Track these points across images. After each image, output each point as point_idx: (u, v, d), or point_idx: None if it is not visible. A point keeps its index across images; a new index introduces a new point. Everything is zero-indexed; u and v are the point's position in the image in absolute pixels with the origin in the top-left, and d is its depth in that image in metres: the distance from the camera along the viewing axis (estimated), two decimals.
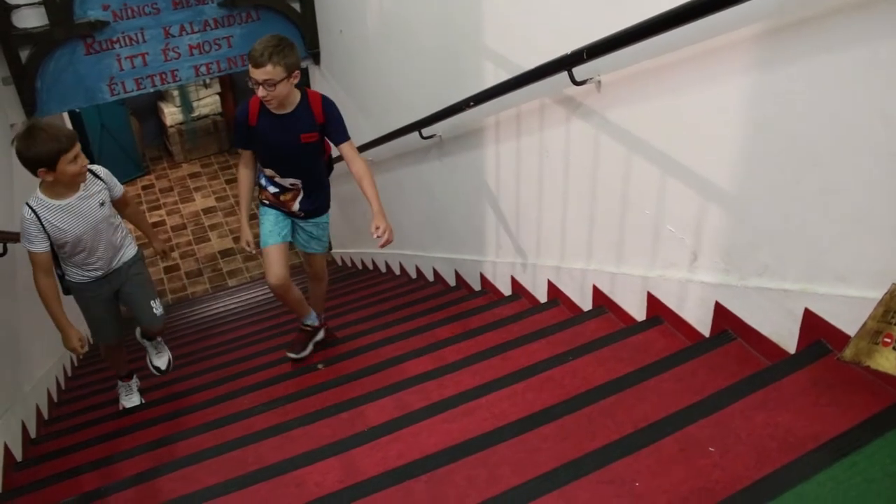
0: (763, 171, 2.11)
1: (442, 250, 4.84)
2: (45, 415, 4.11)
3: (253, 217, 4.24)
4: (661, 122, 2.46)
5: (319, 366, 3.59)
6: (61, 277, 3.24)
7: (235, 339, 5.11)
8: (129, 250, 3.42)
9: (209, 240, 8.75)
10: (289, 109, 3.17)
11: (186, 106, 10.12)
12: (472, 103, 3.41)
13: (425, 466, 2.12)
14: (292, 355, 3.75)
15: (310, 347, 3.82)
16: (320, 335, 3.91)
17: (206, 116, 10.35)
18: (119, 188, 3.29)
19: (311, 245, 3.62)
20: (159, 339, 3.83)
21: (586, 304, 3.22)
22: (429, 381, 2.88)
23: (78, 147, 2.89)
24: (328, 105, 3.26)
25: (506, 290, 3.99)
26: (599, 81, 2.66)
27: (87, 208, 3.07)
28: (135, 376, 3.90)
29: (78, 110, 8.47)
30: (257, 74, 2.95)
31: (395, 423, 2.53)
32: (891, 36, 1.65)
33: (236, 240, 8.45)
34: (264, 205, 3.51)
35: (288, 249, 3.55)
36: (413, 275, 5.50)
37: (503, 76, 3.15)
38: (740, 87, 2.10)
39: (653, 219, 2.63)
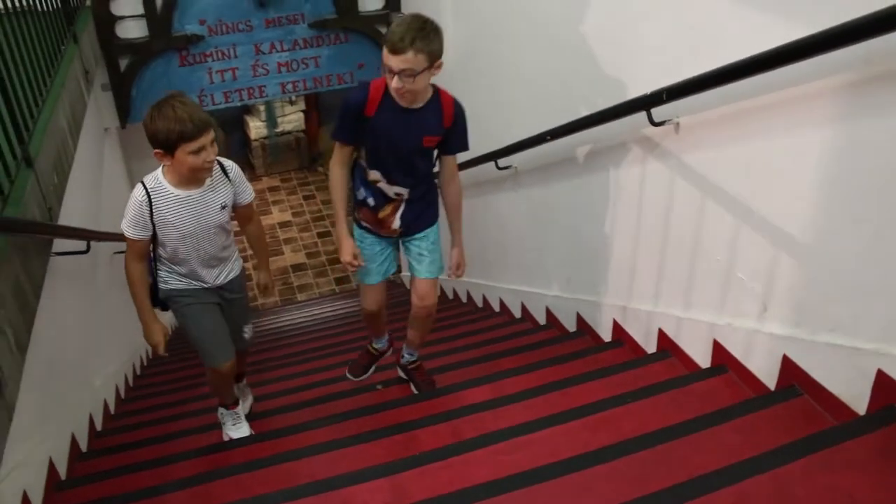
0: (843, 225, 2.06)
1: (509, 282, 4.84)
2: (112, 410, 4.24)
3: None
4: (738, 168, 2.43)
5: (379, 386, 3.61)
6: (153, 288, 2.88)
7: (299, 353, 5.20)
8: (235, 266, 3.02)
9: (283, 253, 8.92)
10: (418, 105, 2.72)
11: (271, 121, 10.39)
12: (549, 137, 3.42)
13: (472, 496, 2.11)
14: (350, 377, 3.56)
15: (371, 371, 3.58)
16: (397, 355, 3.58)
17: (289, 133, 10.60)
18: (248, 194, 2.90)
19: (422, 264, 3.06)
20: (244, 382, 3.49)
21: (650, 346, 3.17)
22: (485, 412, 2.88)
23: (207, 138, 2.51)
24: (459, 109, 2.83)
25: (570, 325, 3.96)
26: (678, 123, 2.64)
27: (206, 207, 2.72)
28: (241, 402, 3.38)
29: None
30: (395, 62, 2.50)
31: (447, 451, 2.53)
32: None
33: (309, 255, 8.58)
34: (361, 227, 3.04)
35: (386, 284, 3.23)
36: (479, 304, 5.51)
37: (583, 112, 3.15)
38: (823, 137, 2.06)
39: (724, 265, 2.58)
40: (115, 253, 4.51)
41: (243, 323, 3.15)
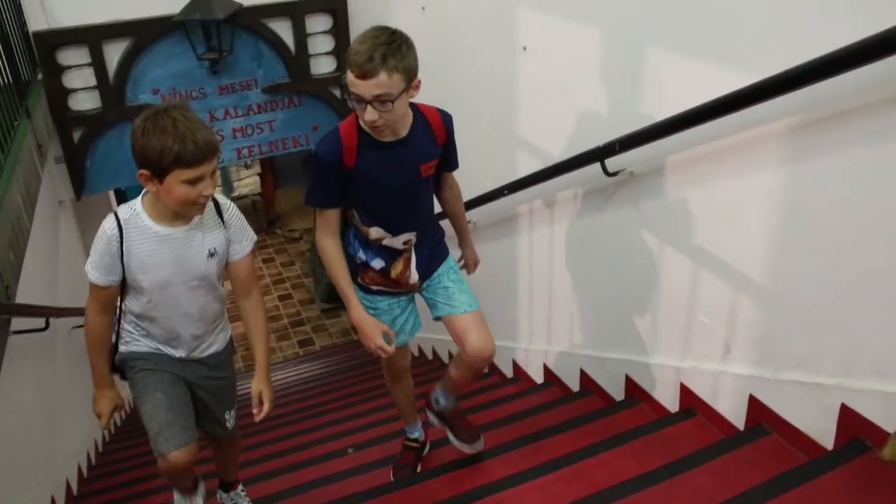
0: (797, 263, 2.12)
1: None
2: (75, 490, 4.11)
3: None
4: (693, 212, 2.49)
5: (350, 450, 3.56)
6: (113, 347, 2.36)
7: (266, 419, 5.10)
8: (220, 339, 2.47)
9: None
10: (403, 133, 2.23)
11: (227, 185, 10.37)
12: (506, 191, 3.47)
13: None
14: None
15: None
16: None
17: (245, 196, 10.58)
18: (247, 243, 2.31)
19: (455, 298, 2.49)
20: (239, 489, 2.92)
21: (619, 393, 3.19)
22: (459, 469, 2.85)
23: (210, 166, 2.00)
24: (448, 118, 2.38)
25: (538, 377, 3.96)
26: (632, 172, 2.71)
27: (190, 251, 2.18)
28: (201, 484, 2.71)
29: (123, 188, 8.72)
30: (364, 88, 2.00)
31: None
32: None
33: (271, 318, 8.48)
34: (368, 290, 2.47)
35: (409, 347, 2.77)
36: (445, 359, 5.49)
37: (537, 166, 3.21)
38: (774, 178, 2.13)
39: (685, 309, 2.63)
40: (74, 328, 4.42)
41: (226, 409, 2.56)
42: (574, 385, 3.57)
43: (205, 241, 2.20)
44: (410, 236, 2.39)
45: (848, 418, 2.05)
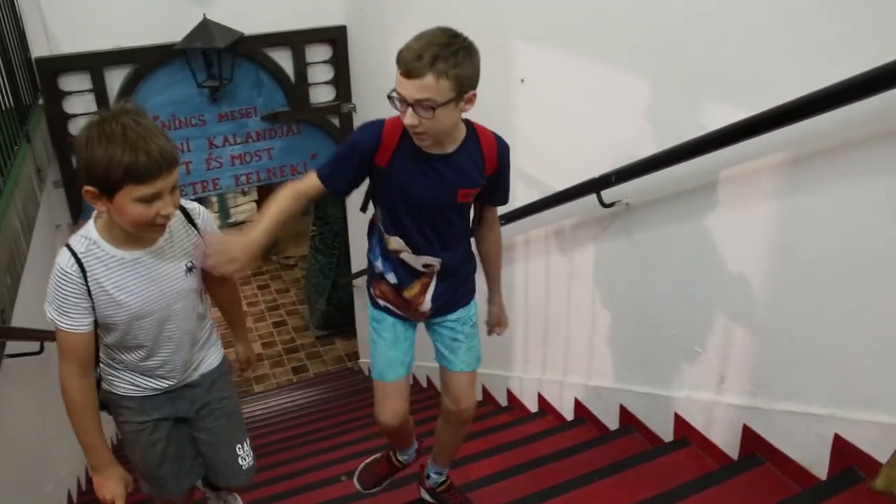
0: (789, 295, 2.15)
1: None
2: None
3: None
4: (688, 244, 2.52)
5: (343, 478, 3.55)
6: (97, 383, 2.07)
7: (259, 447, 5.09)
8: (214, 354, 2.24)
9: None
10: (448, 149, 2.04)
11: (224, 212, 10.39)
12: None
13: None
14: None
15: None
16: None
17: (242, 223, 10.59)
18: None
19: (457, 354, 2.36)
20: (237, 497, 2.64)
21: (613, 423, 3.20)
22: None
23: (168, 181, 1.72)
24: (505, 151, 2.16)
25: (532, 406, 3.97)
26: (627, 204, 2.74)
27: (166, 272, 1.93)
28: None
29: None
30: (408, 89, 1.85)
31: None
32: None
33: (265, 345, 8.48)
34: (376, 305, 2.33)
35: (409, 381, 2.48)
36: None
37: (535, 196, 3.25)
38: (767, 212, 2.17)
39: (680, 339, 2.65)
40: None
41: (236, 441, 2.28)
42: (568, 414, 3.57)
43: (178, 256, 1.95)
44: (433, 262, 2.19)
45: (841, 448, 2.07)
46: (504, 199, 2.30)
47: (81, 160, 1.70)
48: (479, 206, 2.31)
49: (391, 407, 2.34)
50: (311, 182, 2.10)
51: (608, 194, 2.72)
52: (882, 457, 1.92)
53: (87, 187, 1.71)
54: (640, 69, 2.52)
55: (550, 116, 3.16)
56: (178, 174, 1.78)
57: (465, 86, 1.87)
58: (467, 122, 2.09)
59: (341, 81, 5.79)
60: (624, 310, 2.95)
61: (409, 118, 1.88)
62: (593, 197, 2.75)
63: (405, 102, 1.87)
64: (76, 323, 1.86)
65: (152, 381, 2.09)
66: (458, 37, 1.86)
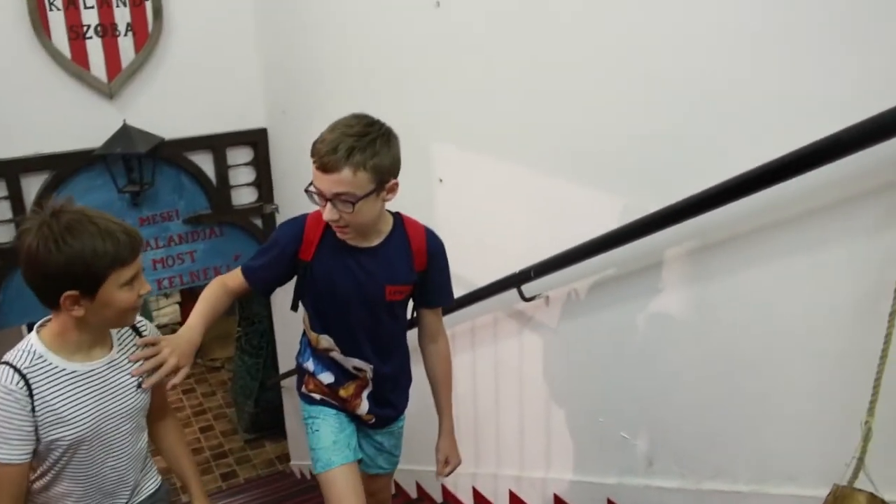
0: (704, 376, 2.23)
1: (402, 461, 4.76)
2: None
3: None
4: (607, 331, 2.60)
5: None
6: None
7: None
8: (152, 479, 2.07)
9: None
10: (374, 242, 1.99)
11: (146, 315, 10.12)
12: None
13: None
14: None
15: None
16: None
17: (165, 326, 10.35)
18: None
19: (376, 463, 2.37)
20: None
21: None
22: None
23: (140, 261, 1.70)
24: (435, 245, 2.09)
25: (468, 501, 3.93)
26: (548, 297, 2.82)
27: (120, 385, 1.80)
28: None
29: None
30: (324, 183, 1.78)
31: None
32: (804, 251, 1.85)
33: (192, 451, 8.18)
34: (311, 400, 2.23)
35: (359, 469, 2.27)
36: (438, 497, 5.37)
37: (458, 293, 3.30)
38: (679, 296, 2.27)
39: (607, 426, 2.70)
40: None
41: None
42: None
43: (130, 370, 1.84)
44: (363, 366, 2.11)
45: None
46: (444, 300, 2.22)
47: (50, 265, 1.57)
48: (420, 311, 2.22)
49: (348, 499, 2.11)
50: (236, 279, 2.07)
51: (528, 288, 2.80)
52: None
53: (69, 293, 1.59)
54: (554, 167, 2.63)
55: (469, 215, 3.25)
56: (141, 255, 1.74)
57: (386, 175, 1.82)
58: (396, 215, 2.05)
59: (263, 183, 5.84)
60: (551, 399, 3.00)
61: (329, 213, 1.82)
62: (514, 292, 2.83)
63: (323, 197, 1.81)
64: (15, 452, 1.65)
65: None
66: (374, 124, 1.81)
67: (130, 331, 1.90)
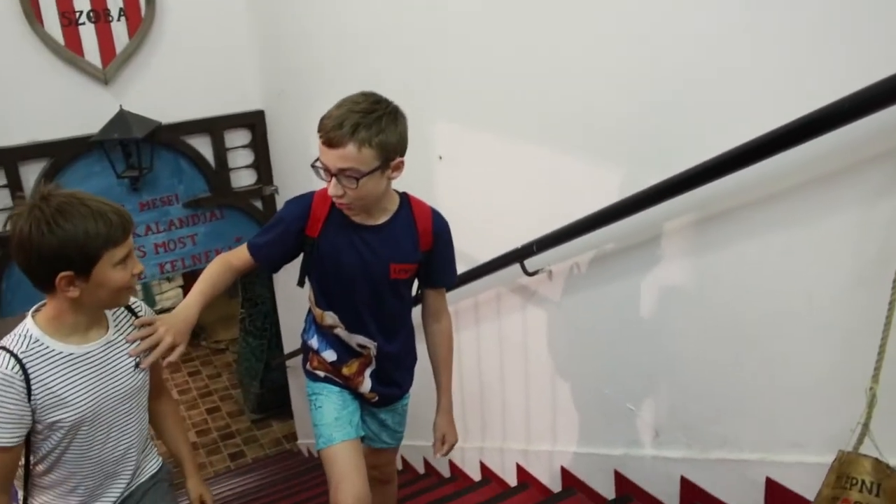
0: (708, 348, 2.25)
1: (408, 438, 4.80)
2: None
3: None
4: (612, 305, 2.61)
5: None
6: None
7: None
8: (153, 459, 2.11)
9: None
10: (379, 220, 2.02)
11: (149, 299, 10.16)
12: None
13: None
14: None
15: None
16: None
17: (168, 309, 10.27)
18: None
19: (380, 438, 2.41)
20: None
21: (556, 485, 3.23)
22: None
23: (132, 241, 1.73)
24: (441, 225, 2.11)
25: (475, 475, 3.97)
26: (551, 271, 2.83)
27: (118, 366, 1.83)
28: None
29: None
30: (330, 158, 1.80)
31: None
32: (805, 221, 1.86)
33: (200, 433, 8.25)
34: (315, 377, 2.26)
35: (361, 446, 2.28)
36: (445, 472, 5.41)
37: (461, 269, 3.30)
38: (681, 269, 2.27)
39: (613, 398, 2.72)
40: None
41: None
42: (511, 480, 3.59)
43: (127, 350, 1.86)
44: (367, 343, 2.13)
45: (774, 491, 2.15)
46: (448, 280, 2.26)
47: (44, 248, 1.59)
48: (423, 291, 2.24)
49: (350, 490, 2.07)
50: (241, 255, 2.09)
51: (531, 263, 2.81)
52: (811, 496, 2.00)
53: (63, 274, 1.62)
54: (554, 142, 2.63)
55: (470, 191, 3.25)
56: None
57: (391, 153, 1.83)
58: (403, 195, 2.08)
59: (262, 164, 5.83)
60: (556, 373, 3.02)
61: (334, 188, 1.85)
62: (517, 266, 2.83)
63: (329, 172, 1.84)
64: (8, 436, 1.67)
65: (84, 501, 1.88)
66: (381, 102, 1.83)
67: (126, 312, 1.91)
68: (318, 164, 1.86)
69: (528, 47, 2.63)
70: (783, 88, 1.81)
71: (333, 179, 1.84)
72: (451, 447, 2.37)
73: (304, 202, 2.03)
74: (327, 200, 1.98)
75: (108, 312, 1.86)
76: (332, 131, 1.77)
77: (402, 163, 1.89)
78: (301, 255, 2.11)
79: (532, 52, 2.61)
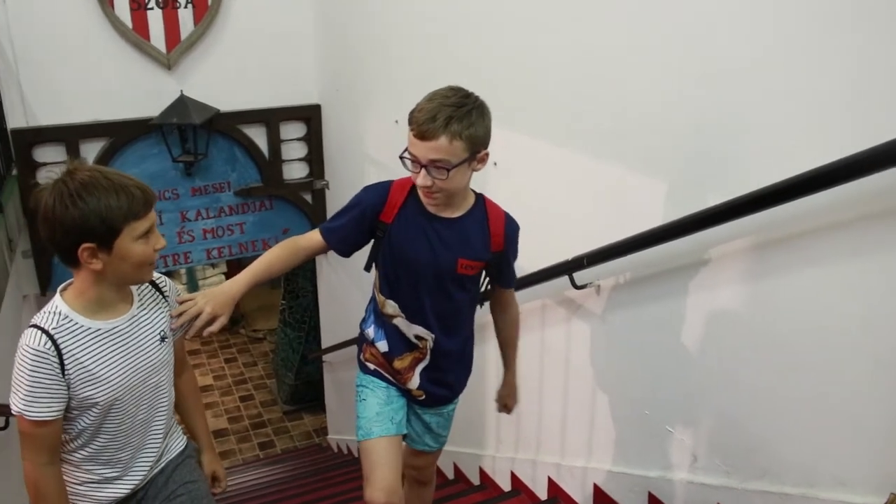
0: (755, 376, 2.20)
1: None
2: None
3: None
4: (656, 324, 2.57)
5: None
6: None
7: None
8: (179, 437, 2.13)
9: None
10: (455, 213, 2.07)
11: (192, 284, 10.30)
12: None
13: None
14: None
15: None
16: None
17: None
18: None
19: (423, 440, 2.38)
20: None
21: (587, 502, 3.19)
22: None
23: (154, 215, 1.75)
24: (512, 229, 2.16)
25: (505, 485, 3.94)
26: (599, 286, 2.80)
27: (143, 341, 1.87)
28: None
29: None
30: (422, 150, 1.86)
31: None
32: (864, 253, 1.81)
33: (231, 420, 8.34)
34: (366, 369, 2.29)
35: (401, 445, 2.28)
36: (475, 479, 5.41)
37: None
38: (732, 292, 2.23)
39: (652, 419, 2.68)
40: None
41: None
42: (542, 493, 3.56)
43: (153, 323, 1.90)
44: (425, 335, 2.15)
45: None
46: (508, 283, 2.31)
47: (69, 222, 1.63)
48: (492, 286, 2.32)
49: (381, 485, 2.10)
50: (313, 238, 2.13)
51: (580, 276, 2.78)
52: None
53: (85, 245, 1.65)
54: (612, 155, 2.61)
55: (524, 200, 3.22)
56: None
57: (479, 145, 1.91)
58: (479, 195, 2.14)
59: (315, 158, 5.88)
60: (596, 388, 2.99)
61: (423, 179, 1.90)
62: (566, 278, 2.81)
63: (418, 163, 1.90)
64: (48, 410, 1.72)
65: (115, 483, 1.94)
66: (470, 96, 1.90)
67: (151, 287, 1.95)
68: (406, 155, 1.92)
69: (586, 56, 2.62)
70: (852, 115, 1.77)
71: (423, 170, 1.90)
72: (513, 407, 2.59)
73: (382, 187, 2.08)
74: (405, 189, 2.05)
75: (134, 289, 1.90)
76: (426, 124, 1.83)
77: (487, 154, 1.96)
78: (371, 243, 2.16)
79: (591, 61, 2.59)
